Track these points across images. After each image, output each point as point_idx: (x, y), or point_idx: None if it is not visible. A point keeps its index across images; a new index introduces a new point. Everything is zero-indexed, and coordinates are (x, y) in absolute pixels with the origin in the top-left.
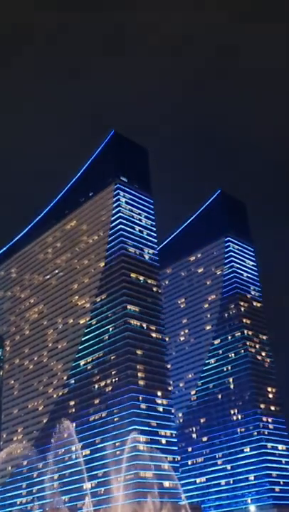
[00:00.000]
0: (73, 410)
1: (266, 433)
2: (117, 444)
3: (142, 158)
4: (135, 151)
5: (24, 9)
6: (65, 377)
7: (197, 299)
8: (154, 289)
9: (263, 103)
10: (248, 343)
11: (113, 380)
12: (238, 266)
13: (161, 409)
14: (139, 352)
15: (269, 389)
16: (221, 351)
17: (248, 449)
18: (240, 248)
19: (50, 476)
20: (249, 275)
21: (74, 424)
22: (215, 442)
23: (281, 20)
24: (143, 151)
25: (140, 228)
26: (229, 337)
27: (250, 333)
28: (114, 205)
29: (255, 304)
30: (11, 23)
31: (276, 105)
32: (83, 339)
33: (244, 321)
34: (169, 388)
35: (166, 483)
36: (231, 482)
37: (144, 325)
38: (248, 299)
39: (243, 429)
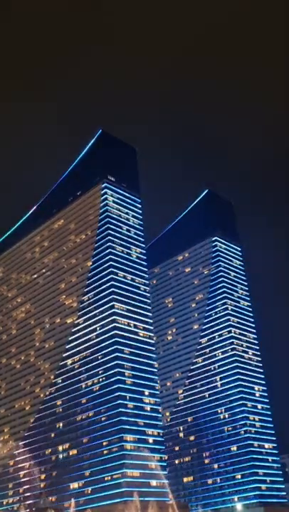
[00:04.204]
0: (60, 410)
1: (253, 432)
2: (104, 443)
3: (130, 158)
4: (123, 151)
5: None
6: (52, 377)
7: (185, 299)
8: (142, 289)
9: (252, 103)
10: (235, 343)
11: (100, 380)
12: (226, 265)
13: (148, 408)
14: (126, 351)
15: (256, 388)
16: (208, 350)
17: (235, 448)
18: (227, 248)
19: (36, 476)
20: (236, 275)
21: (61, 424)
22: (202, 441)
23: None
24: (131, 151)
25: (128, 227)
26: (216, 336)
27: (237, 332)
28: (102, 204)
29: (242, 303)
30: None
31: (264, 105)
32: (70, 338)
33: (231, 320)
34: (157, 387)
35: (154, 482)
36: (218, 481)
37: (132, 324)
38: (235, 299)
39: (230, 428)
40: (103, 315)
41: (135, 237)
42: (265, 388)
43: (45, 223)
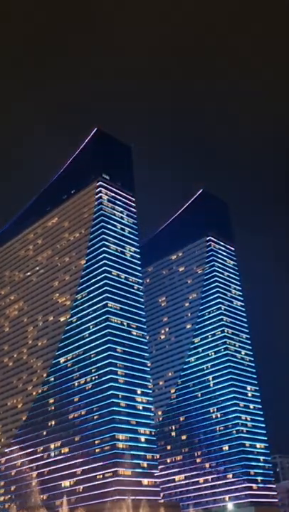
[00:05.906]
0: (53, 408)
1: (245, 431)
2: (96, 441)
3: (125, 156)
4: (118, 149)
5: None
6: (44, 375)
7: (178, 298)
8: (135, 287)
9: (248, 104)
10: (227, 342)
11: (93, 378)
12: (219, 265)
13: (140, 407)
14: (119, 350)
15: (248, 388)
16: (201, 350)
17: (227, 448)
18: (221, 247)
19: (28, 474)
20: (230, 274)
21: (53, 422)
22: (194, 440)
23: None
24: (126, 149)
25: (122, 226)
26: (209, 336)
27: (230, 332)
28: (97, 202)
29: (235, 303)
30: None
31: (261, 106)
32: (63, 336)
33: (224, 319)
34: (149, 386)
35: (145, 481)
36: (210, 480)
37: (125, 323)
38: (228, 298)
39: (222, 428)
40: (96, 313)
41: (129, 235)
42: (257, 388)
43: (39, 221)
